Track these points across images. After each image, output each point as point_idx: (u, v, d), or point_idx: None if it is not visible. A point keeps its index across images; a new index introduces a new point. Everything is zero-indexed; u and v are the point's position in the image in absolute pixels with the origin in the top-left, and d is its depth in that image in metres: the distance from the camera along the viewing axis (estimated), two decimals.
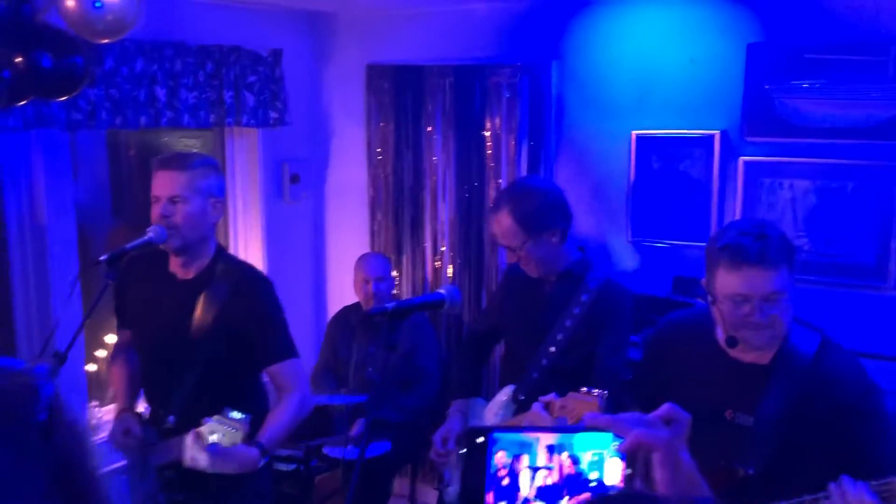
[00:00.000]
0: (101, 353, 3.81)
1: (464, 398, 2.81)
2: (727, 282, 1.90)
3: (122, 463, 2.71)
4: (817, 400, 1.91)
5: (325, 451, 3.54)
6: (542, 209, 2.55)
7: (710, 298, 1.98)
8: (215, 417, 2.15)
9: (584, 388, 2.10)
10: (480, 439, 1.09)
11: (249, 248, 4.25)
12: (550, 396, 2.15)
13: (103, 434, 3.58)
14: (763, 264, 1.86)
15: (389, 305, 1.80)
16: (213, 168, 2.49)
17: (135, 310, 2.62)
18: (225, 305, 2.41)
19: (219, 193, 2.49)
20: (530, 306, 2.69)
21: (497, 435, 1.11)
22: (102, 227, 4.35)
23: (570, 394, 2.12)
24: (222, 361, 2.44)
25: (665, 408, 1.21)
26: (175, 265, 2.53)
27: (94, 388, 3.69)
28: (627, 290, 2.68)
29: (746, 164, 3.38)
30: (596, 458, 1.14)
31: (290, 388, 2.47)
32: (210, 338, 2.41)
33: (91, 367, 3.72)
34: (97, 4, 2.23)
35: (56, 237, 3.31)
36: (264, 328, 2.46)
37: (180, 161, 2.43)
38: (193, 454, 2.15)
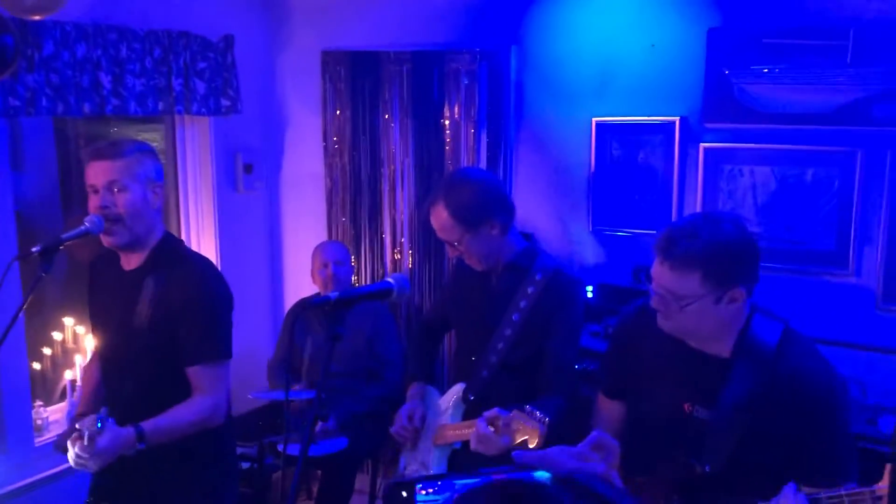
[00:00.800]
0: (47, 351, 3.68)
1: (420, 383, 2.75)
2: (654, 264, 1.94)
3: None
4: (780, 393, 1.86)
5: (280, 447, 3.44)
6: (478, 202, 2.42)
7: None
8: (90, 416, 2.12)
9: (529, 408, 2.08)
10: (405, 493, 1.07)
11: (202, 240, 4.13)
12: (494, 412, 2.10)
13: (49, 435, 3.46)
14: (671, 263, 1.85)
15: (333, 295, 1.72)
16: (148, 153, 2.37)
17: (95, 311, 2.53)
18: (161, 294, 2.30)
19: (157, 178, 2.38)
20: (478, 300, 2.60)
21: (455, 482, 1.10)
22: (50, 221, 4.21)
23: (515, 412, 2.09)
24: (161, 356, 2.31)
25: (593, 436, 1.15)
26: (123, 257, 2.42)
27: (39, 386, 3.56)
28: (577, 278, 2.58)
29: (706, 150, 3.34)
30: None
31: (204, 393, 2.31)
32: (147, 330, 2.29)
33: (36, 366, 3.58)
34: None
35: None
36: (192, 322, 2.30)
37: (114, 149, 2.30)
38: (78, 461, 2.11)
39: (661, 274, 1.89)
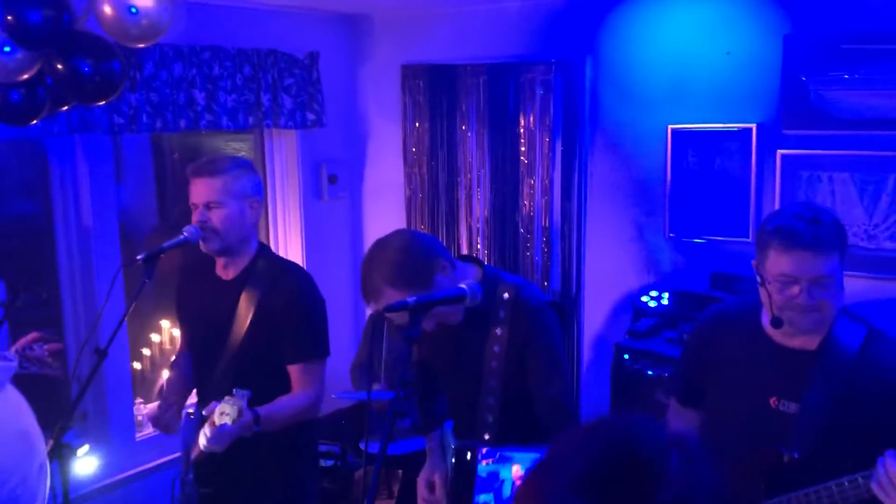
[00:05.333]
0: (146, 352, 3.92)
1: (432, 433, 2.57)
2: (777, 263, 1.92)
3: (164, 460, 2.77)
4: (865, 385, 1.93)
5: (362, 446, 3.58)
6: (410, 257, 2.10)
7: (759, 280, 1.99)
8: (226, 399, 2.21)
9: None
10: (469, 455, 1.20)
11: (289, 247, 4.32)
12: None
13: (149, 431, 3.69)
14: (815, 248, 1.88)
15: (410, 300, 1.81)
16: (246, 169, 2.53)
17: (188, 312, 2.73)
18: (262, 301, 2.48)
19: (255, 193, 2.54)
20: (450, 356, 2.36)
21: (509, 453, 1.20)
22: (148, 229, 4.47)
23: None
24: (259, 357, 2.49)
25: None
26: (219, 267, 2.61)
27: (139, 385, 3.80)
28: (539, 302, 2.26)
29: (784, 157, 3.32)
30: None
31: (305, 387, 2.50)
32: (248, 335, 2.48)
33: (136, 365, 3.82)
34: (132, 10, 2.29)
35: (100, 238, 3.42)
36: (292, 326, 2.48)
37: (212, 167, 2.48)
38: (205, 443, 2.22)
39: (805, 263, 1.89)
